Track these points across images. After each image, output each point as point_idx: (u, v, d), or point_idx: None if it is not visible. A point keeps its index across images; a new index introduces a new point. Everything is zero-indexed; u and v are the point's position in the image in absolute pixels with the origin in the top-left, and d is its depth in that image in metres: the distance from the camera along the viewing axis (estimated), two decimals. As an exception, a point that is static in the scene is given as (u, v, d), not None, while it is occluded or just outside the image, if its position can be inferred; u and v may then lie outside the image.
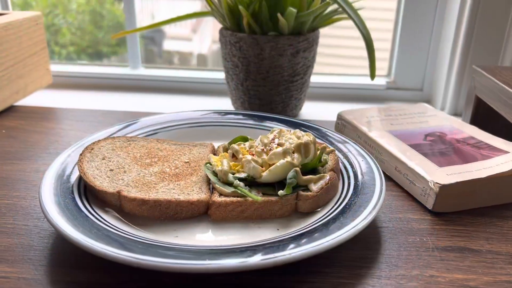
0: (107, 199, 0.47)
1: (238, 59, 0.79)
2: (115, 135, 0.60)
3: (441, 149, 0.59)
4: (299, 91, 0.84)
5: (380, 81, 1.00)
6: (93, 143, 0.55)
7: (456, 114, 0.91)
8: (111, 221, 0.45)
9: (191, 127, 0.66)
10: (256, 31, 0.77)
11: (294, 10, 0.72)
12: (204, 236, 0.46)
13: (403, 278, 0.42)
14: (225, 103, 0.91)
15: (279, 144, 0.51)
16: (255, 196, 0.46)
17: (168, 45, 1.30)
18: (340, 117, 0.71)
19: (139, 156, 0.55)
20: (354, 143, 0.60)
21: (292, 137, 0.53)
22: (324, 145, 0.54)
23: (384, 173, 0.60)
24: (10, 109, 0.80)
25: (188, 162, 0.55)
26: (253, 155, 0.52)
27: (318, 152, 0.52)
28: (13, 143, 0.67)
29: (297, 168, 0.49)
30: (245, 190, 0.47)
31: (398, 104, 0.74)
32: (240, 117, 0.69)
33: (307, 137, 0.53)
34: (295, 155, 0.50)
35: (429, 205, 0.52)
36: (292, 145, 0.51)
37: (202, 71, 1.05)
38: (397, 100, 1.00)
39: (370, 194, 0.48)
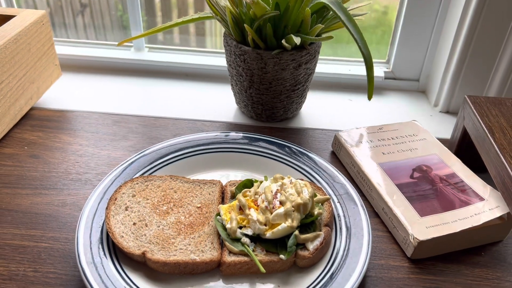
0: (134, 258, 0.56)
1: (243, 69, 0.83)
2: (132, 175, 0.67)
3: (426, 190, 0.66)
4: (300, 96, 0.88)
5: (378, 71, 1.03)
6: (116, 191, 0.62)
7: (448, 111, 0.96)
8: (140, 284, 0.53)
9: (196, 154, 0.72)
10: (260, 46, 0.79)
11: (298, 39, 0.74)
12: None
13: (379, 336, 0.52)
14: (229, 93, 0.94)
15: (281, 202, 0.58)
16: (260, 265, 0.54)
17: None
18: (336, 139, 0.77)
19: (157, 202, 0.62)
20: (346, 181, 0.67)
21: (293, 192, 0.59)
22: (321, 198, 0.62)
23: (372, 208, 0.68)
24: (26, 116, 0.85)
25: (200, 207, 0.63)
26: (257, 207, 0.59)
27: (315, 212, 0.59)
28: (37, 164, 0.74)
29: (296, 232, 0.56)
30: (252, 254, 0.55)
31: (391, 125, 0.79)
32: (242, 141, 0.75)
33: (306, 190, 0.60)
34: (295, 214, 0.57)
35: (408, 254, 0.60)
36: (293, 204, 0.58)
37: (207, 56, 1.07)
38: (394, 90, 1.04)
39: (358, 249, 0.56)
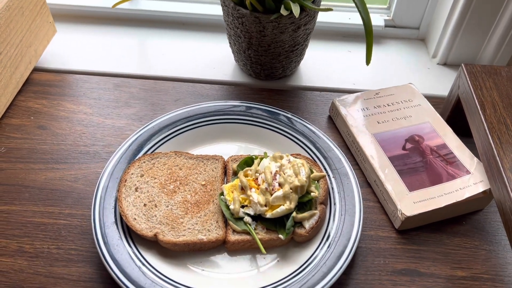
0: (147, 238, 0.61)
1: (241, 31, 0.82)
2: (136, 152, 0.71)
3: (416, 163, 0.70)
4: (299, 55, 0.89)
5: (378, 20, 1.01)
6: (125, 172, 0.66)
7: (446, 64, 0.97)
8: (153, 262, 0.60)
9: (197, 127, 0.75)
10: (259, 9, 0.78)
11: (297, 7, 0.73)
12: (224, 265, 0.61)
13: (366, 304, 0.59)
14: (227, 45, 0.94)
15: (280, 184, 0.63)
16: (261, 247, 0.60)
17: None
18: (333, 105, 0.80)
19: (164, 181, 0.67)
20: (342, 155, 0.71)
21: (291, 173, 0.64)
22: (317, 175, 0.66)
23: (365, 178, 0.73)
24: (27, 82, 0.86)
25: (204, 184, 0.67)
26: (258, 187, 0.64)
27: (312, 189, 0.64)
28: (45, 136, 0.77)
29: (294, 214, 0.62)
30: (254, 234, 0.61)
31: (387, 89, 0.81)
32: (241, 111, 0.77)
33: (303, 171, 0.64)
34: (293, 195, 0.62)
35: (396, 226, 0.66)
36: (291, 185, 0.62)
37: (205, 4, 1.04)
38: (393, 38, 1.03)
39: (350, 226, 0.62)
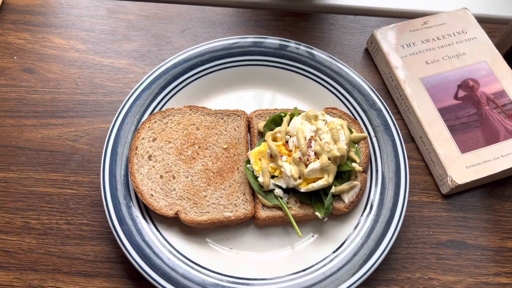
0: (167, 217, 0.55)
1: None
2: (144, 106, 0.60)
3: (470, 116, 0.61)
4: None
5: None
6: (135, 137, 0.57)
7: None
8: (175, 242, 0.54)
9: (212, 71, 0.64)
10: None
11: None
12: (254, 245, 0.56)
13: (408, 281, 0.55)
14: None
15: (316, 154, 0.54)
16: (298, 229, 0.54)
17: None
18: (373, 38, 0.67)
19: (180, 145, 0.58)
20: (384, 107, 0.61)
21: (329, 140, 0.54)
22: (357, 136, 0.57)
23: (408, 131, 0.64)
24: (3, 7, 0.71)
25: (226, 148, 0.59)
26: (289, 153, 0.55)
27: (351, 155, 0.55)
28: (34, 83, 0.66)
29: (333, 190, 0.54)
30: (289, 213, 0.54)
31: (438, 16, 0.67)
32: (261, 49, 0.65)
33: (342, 135, 0.55)
34: (331, 166, 0.54)
35: (443, 191, 0.59)
36: (329, 155, 0.54)
37: None
38: None
39: (395, 202, 0.55)
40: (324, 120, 0.57)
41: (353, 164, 0.55)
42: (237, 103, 0.64)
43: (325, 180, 0.54)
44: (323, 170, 0.54)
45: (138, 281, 0.54)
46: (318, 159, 0.54)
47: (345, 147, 0.54)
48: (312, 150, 0.55)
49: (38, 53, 0.68)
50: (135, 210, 0.54)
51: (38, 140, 0.62)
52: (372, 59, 0.69)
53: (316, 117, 0.57)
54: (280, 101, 0.64)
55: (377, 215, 0.55)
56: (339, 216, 0.57)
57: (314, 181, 0.54)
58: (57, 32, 0.70)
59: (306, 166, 0.54)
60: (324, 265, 0.53)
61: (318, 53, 0.64)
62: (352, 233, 0.55)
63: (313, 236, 0.57)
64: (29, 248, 0.56)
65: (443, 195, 0.60)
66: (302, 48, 0.65)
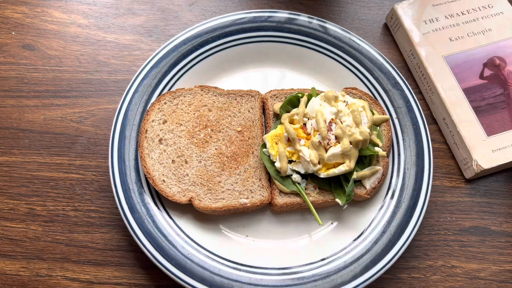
0: (180, 204, 0.52)
1: None
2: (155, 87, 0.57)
3: (496, 97, 0.58)
4: None
5: None
6: (144, 120, 0.54)
7: None
8: (188, 230, 0.52)
9: (223, 49, 0.60)
10: None
11: None
12: (270, 233, 0.53)
13: (430, 269, 0.53)
14: None
15: (337, 137, 0.51)
16: (318, 218, 0.51)
17: None
18: (393, 13, 0.63)
19: (192, 128, 0.55)
20: (408, 89, 0.58)
21: (350, 123, 0.51)
22: (379, 118, 0.54)
23: (430, 112, 0.61)
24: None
25: (240, 131, 0.56)
26: (307, 136, 0.53)
27: (374, 141, 0.52)
28: (35, 60, 0.62)
29: (354, 176, 0.51)
30: (308, 201, 0.51)
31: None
32: (274, 25, 0.61)
33: (364, 117, 0.52)
34: (353, 151, 0.51)
35: (467, 176, 0.57)
36: (351, 139, 0.51)
37: None
38: None
39: (418, 189, 0.53)
40: (345, 101, 0.53)
41: (376, 149, 0.52)
42: (250, 83, 0.60)
43: (347, 165, 0.51)
44: (344, 155, 0.51)
45: (150, 270, 0.52)
46: (339, 143, 0.51)
47: (368, 130, 0.51)
48: (332, 134, 0.52)
49: (37, 28, 0.64)
50: (146, 197, 0.52)
51: (40, 122, 0.59)
52: (392, 35, 0.65)
53: (336, 98, 0.53)
54: (295, 80, 0.61)
55: (399, 201, 0.53)
56: (359, 203, 0.55)
57: (334, 167, 0.52)
58: (57, 6, 0.65)
59: (326, 150, 0.51)
60: (346, 254, 0.51)
61: (333, 27, 0.60)
62: (374, 220, 0.53)
63: (332, 223, 0.54)
64: (36, 236, 0.53)
65: (467, 179, 0.57)
66: (315, 22, 0.61)
